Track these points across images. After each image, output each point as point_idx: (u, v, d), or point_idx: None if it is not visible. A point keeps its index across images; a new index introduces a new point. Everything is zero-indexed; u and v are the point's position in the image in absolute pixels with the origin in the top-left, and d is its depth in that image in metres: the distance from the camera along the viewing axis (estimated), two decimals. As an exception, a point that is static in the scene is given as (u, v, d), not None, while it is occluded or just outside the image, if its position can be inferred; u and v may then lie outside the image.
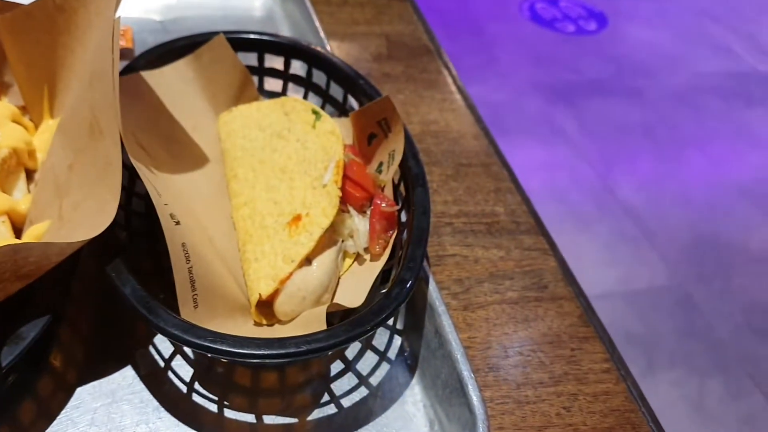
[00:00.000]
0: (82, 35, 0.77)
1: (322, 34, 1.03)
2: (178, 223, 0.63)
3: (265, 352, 0.55)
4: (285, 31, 1.14)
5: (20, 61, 0.78)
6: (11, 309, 0.56)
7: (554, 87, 3.77)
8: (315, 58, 0.88)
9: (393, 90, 1.04)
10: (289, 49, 0.88)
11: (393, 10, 1.25)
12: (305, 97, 0.91)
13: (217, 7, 1.16)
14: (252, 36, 0.88)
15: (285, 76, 0.91)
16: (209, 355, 0.59)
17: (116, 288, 0.58)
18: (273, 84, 0.92)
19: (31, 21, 0.76)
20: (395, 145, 0.75)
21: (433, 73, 1.10)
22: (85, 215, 0.62)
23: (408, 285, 0.62)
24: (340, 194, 0.70)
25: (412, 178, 0.73)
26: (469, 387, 0.60)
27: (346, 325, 0.58)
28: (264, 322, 0.67)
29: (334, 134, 0.75)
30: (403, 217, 0.73)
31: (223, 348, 0.55)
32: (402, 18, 1.22)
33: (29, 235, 0.66)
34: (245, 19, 1.16)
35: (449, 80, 1.09)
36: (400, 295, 0.60)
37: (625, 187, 3.18)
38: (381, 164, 0.78)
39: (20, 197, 0.72)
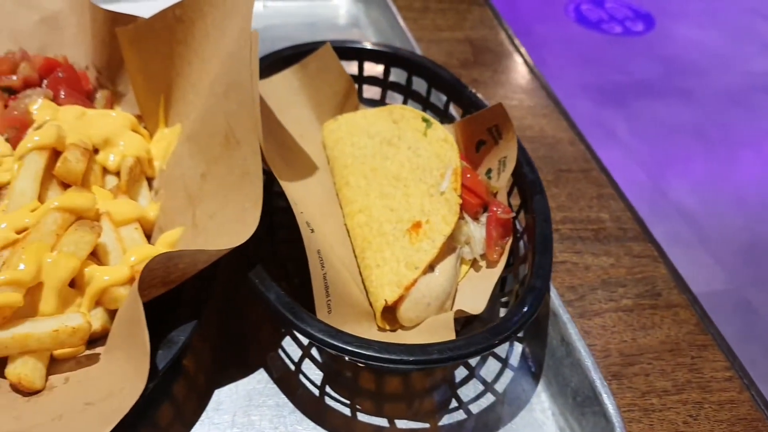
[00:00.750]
0: (198, 46, 0.79)
1: (412, 41, 1.04)
2: (312, 230, 0.64)
3: (411, 358, 0.56)
4: (371, 38, 1.15)
5: (139, 71, 0.81)
6: (158, 314, 0.58)
7: (603, 88, 3.73)
8: (416, 66, 0.88)
9: (483, 95, 1.04)
10: (390, 58, 0.89)
11: (474, 14, 1.26)
12: (405, 104, 0.92)
13: (303, 15, 1.18)
14: (353, 45, 0.89)
15: (384, 83, 0.92)
16: (347, 358, 0.60)
17: (260, 294, 0.59)
18: (371, 92, 0.93)
19: (152, 32, 0.78)
20: (506, 152, 0.76)
21: (522, 78, 1.10)
22: (223, 223, 0.63)
23: (540, 292, 0.62)
24: (461, 201, 0.70)
25: (528, 185, 0.73)
26: (604, 395, 0.60)
27: (485, 333, 0.58)
28: (387, 327, 0.68)
29: (447, 141, 0.76)
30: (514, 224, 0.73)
31: (370, 353, 0.56)
32: (483, 23, 1.23)
33: (162, 242, 0.68)
34: (330, 27, 1.17)
35: (538, 85, 1.09)
36: (534, 302, 0.61)
37: (677, 189, 3.12)
38: (489, 171, 0.78)
39: (146, 204, 0.74)
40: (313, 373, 0.67)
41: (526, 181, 0.74)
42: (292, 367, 0.67)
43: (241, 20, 0.66)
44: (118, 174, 0.76)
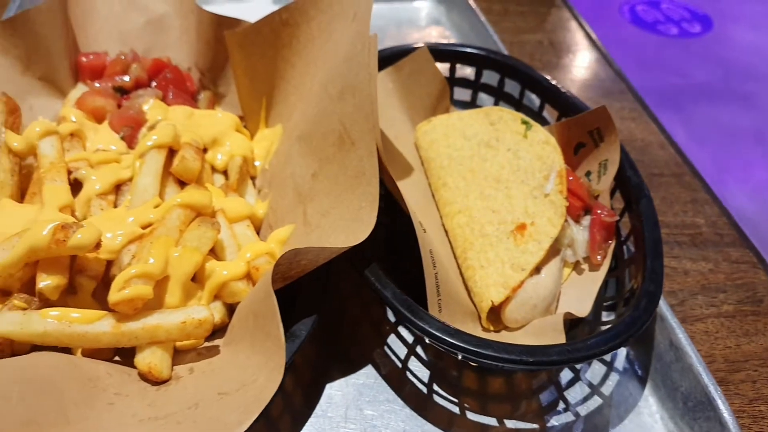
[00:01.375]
0: (302, 48, 0.81)
1: (499, 43, 1.04)
2: (425, 230, 0.65)
3: (532, 359, 0.56)
4: (453, 40, 1.15)
5: (245, 73, 0.83)
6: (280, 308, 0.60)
7: (660, 91, 3.66)
8: (510, 68, 0.89)
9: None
10: (484, 60, 0.90)
11: (553, 16, 1.25)
12: (496, 105, 0.92)
13: (386, 17, 1.19)
14: (447, 47, 0.90)
15: (476, 85, 0.92)
16: (460, 356, 0.61)
17: (376, 291, 0.61)
18: (461, 93, 0.94)
19: (258, 36, 0.80)
20: (608, 155, 0.75)
21: (607, 81, 1.10)
22: (338, 221, 0.65)
23: (655, 297, 0.62)
24: (567, 204, 0.71)
25: (632, 189, 0.73)
26: (718, 401, 0.60)
27: (602, 336, 0.59)
28: (491, 327, 0.69)
29: (548, 144, 0.76)
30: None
31: (490, 353, 0.56)
32: (563, 25, 1.22)
33: (273, 239, 0.70)
34: (413, 28, 1.18)
35: (624, 87, 1.08)
36: (649, 306, 0.61)
37: (738, 195, 3.04)
38: (589, 173, 0.78)
39: (253, 202, 0.77)
40: (419, 370, 0.68)
41: (630, 185, 0.73)
42: (399, 364, 0.68)
43: (358, 24, 0.67)
44: (224, 172, 0.79)
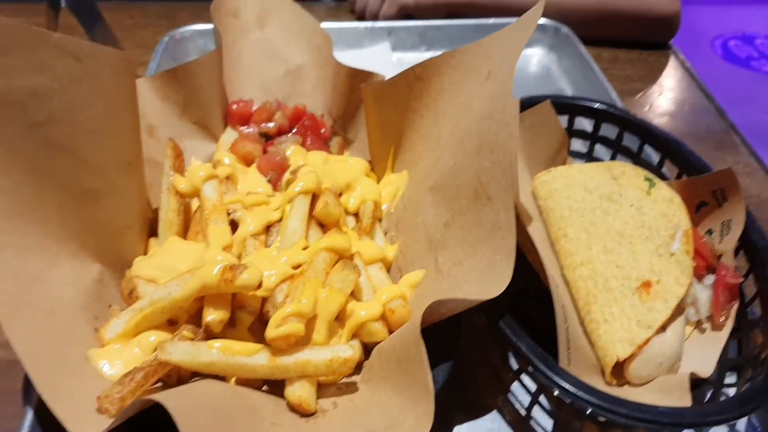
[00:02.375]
0: (431, 101, 0.86)
1: (613, 94, 1.07)
2: (557, 286, 0.68)
3: (665, 420, 0.58)
4: (565, 88, 1.18)
5: (378, 123, 0.89)
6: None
7: (752, 130, 3.54)
8: (629, 123, 0.91)
9: (684, 151, 1.04)
10: (603, 114, 0.92)
11: (662, 65, 1.26)
12: (613, 158, 0.95)
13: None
14: (567, 100, 0.94)
15: (594, 137, 0.95)
16: (589, 410, 0.63)
17: (512, 343, 0.64)
18: (577, 144, 0.96)
19: (393, 89, 0.86)
20: (731, 216, 0.76)
21: (719, 133, 1.10)
22: (470, 271, 0.68)
23: (789, 364, 0.62)
24: (694, 264, 0.72)
25: (759, 252, 0.74)
26: None
27: (736, 399, 0.60)
28: (614, 382, 0.71)
29: (673, 202, 0.78)
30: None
31: (624, 411, 0.59)
32: (674, 74, 1.23)
33: (405, 282, 0.75)
34: (523, 76, 1.22)
35: (737, 140, 1.08)
36: (784, 373, 0.61)
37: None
38: (710, 231, 0.79)
39: (382, 244, 0.82)
40: (542, 418, 0.70)
41: (756, 248, 0.74)
42: (522, 412, 0.71)
43: (497, 84, 0.71)
44: (354, 215, 0.84)
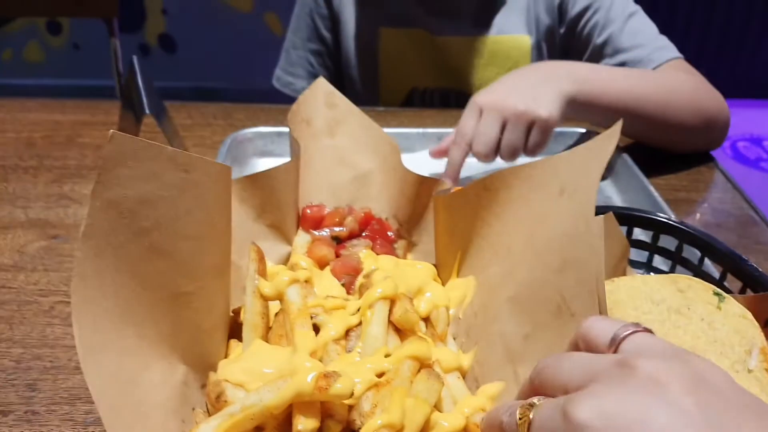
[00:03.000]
0: (501, 211, 0.89)
1: (662, 204, 1.10)
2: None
3: None
4: (612, 195, 1.22)
5: (446, 231, 0.92)
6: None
7: None
8: (688, 236, 0.94)
9: (736, 261, 1.06)
10: (661, 226, 0.95)
11: (702, 173, 1.31)
12: (672, 269, 0.97)
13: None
14: (625, 212, 0.97)
15: (653, 249, 0.98)
16: None
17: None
18: (635, 255, 0.99)
19: (462, 198, 0.89)
20: (803, 332, 0.78)
21: (767, 244, 1.12)
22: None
23: None
24: (774, 382, 0.73)
25: (837, 371, 0.74)
26: None
27: None
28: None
29: (746, 318, 0.79)
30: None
31: None
32: (717, 185, 1.27)
33: (483, 393, 0.75)
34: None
35: (787, 253, 1.10)
36: None
37: None
38: (780, 349, 0.80)
39: (455, 351, 0.82)
40: None
41: (832, 366, 0.75)
42: None
43: (579, 204, 0.74)
44: (423, 320, 0.85)
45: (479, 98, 1.16)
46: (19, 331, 0.88)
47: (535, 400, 0.49)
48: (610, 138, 0.75)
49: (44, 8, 2.51)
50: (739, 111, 1.47)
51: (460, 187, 0.90)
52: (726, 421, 0.39)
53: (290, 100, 1.15)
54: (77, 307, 0.60)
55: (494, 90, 1.18)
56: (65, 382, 0.80)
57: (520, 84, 1.17)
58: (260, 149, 1.28)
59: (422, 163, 1.25)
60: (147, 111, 0.91)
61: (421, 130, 1.31)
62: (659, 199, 1.11)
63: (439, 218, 0.92)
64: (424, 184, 0.95)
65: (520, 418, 0.49)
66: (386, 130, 1.22)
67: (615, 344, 0.51)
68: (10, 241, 1.03)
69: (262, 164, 1.27)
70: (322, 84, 1.03)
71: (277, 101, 1.52)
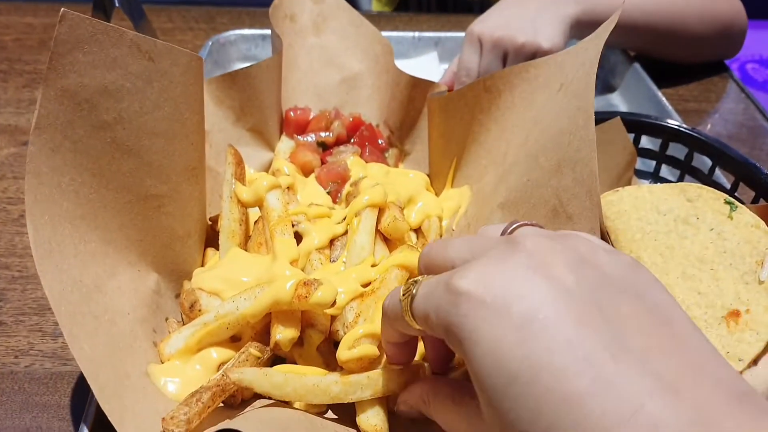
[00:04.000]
0: (500, 116, 0.82)
1: (674, 114, 1.03)
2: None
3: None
4: (621, 105, 1.15)
5: (441, 136, 0.85)
6: None
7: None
8: (700, 143, 0.87)
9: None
10: (672, 133, 0.89)
11: (714, 84, 1.23)
12: (681, 179, 0.91)
13: (547, 79, 1.20)
14: (634, 118, 0.90)
15: (660, 157, 0.91)
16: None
17: None
18: (641, 164, 0.93)
19: (461, 100, 0.82)
20: (818, 243, 0.73)
21: (784, 157, 1.06)
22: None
23: None
24: (786, 294, 0.68)
25: None
26: None
27: None
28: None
29: (758, 228, 0.74)
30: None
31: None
32: (729, 95, 1.20)
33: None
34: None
35: (803, 165, 1.04)
36: None
37: None
38: (794, 260, 0.75)
39: (447, 263, 0.78)
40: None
41: None
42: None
43: (576, 99, 0.68)
44: (415, 231, 0.80)
45: (477, 28, 1.06)
46: (-13, 240, 0.83)
47: (420, 278, 0.47)
48: (605, 28, 0.68)
49: None
50: (750, 32, 1.37)
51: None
52: (604, 299, 0.38)
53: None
54: (32, 206, 0.54)
55: (493, 18, 1.07)
56: (34, 293, 0.76)
57: (520, 12, 1.07)
58: (243, 53, 1.19)
59: (417, 71, 1.17)
60: (116, 4, 0.83)
61: (417, 34, 1.22)
62: (669, 108, 1.04)
63: (433, 122, 0.85)
64: (418, 87, 0.87)
65: (403, 294, 0.47)
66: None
67: (505, 234, 0.48)
68: (-21, 147, 0.96)
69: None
70: (308, -25, 0.94)
71: (263, 4, 1.42)
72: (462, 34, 1.13)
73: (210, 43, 1.13)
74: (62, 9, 0.54)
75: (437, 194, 0.87)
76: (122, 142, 0.61)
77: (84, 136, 0.59)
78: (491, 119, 0.82)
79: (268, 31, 1.19)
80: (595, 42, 0.69)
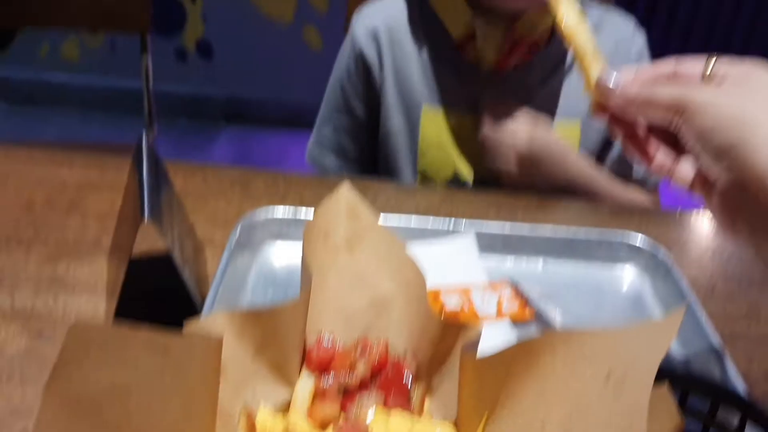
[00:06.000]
0: (540, 379, 0.76)
1: (714, 338, 0.97)
2: None
3: None
4: (655, 313, 1.09)
5: (472, 395, 0.78)
6: None
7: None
8: (755, 413, 0.80)
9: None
10: (721, 394, 0.82)
11: (764, 304, 1.16)
12: (732, 450, 0.83)
13: (587, 284, 1.15)
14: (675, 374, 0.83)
15: (708, 421, 0.84)
16: None
17: None
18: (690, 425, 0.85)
19: (496, 360, 0.76)
20: None
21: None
22: None
23: None
24: None
25: None
26: None
27: None
28: None
29: None
30: None
31: None
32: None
33: None
34: (614, 297, 1.13)
35: None
36: None
37: None
38: None
39: None
40: None
41: None
42: None
43: (628, 399, 0.63)
44: (436, 496, 0.74)
45: None
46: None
47: None
48: (672, 324, 0.64)
49: (74, 20, 2.44)
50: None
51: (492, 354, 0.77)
52: None
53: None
54: None
55: None
56: None
57: None
58: (275, 232, 1.17)
59: (447, 260, 1.13)
60: (147, 217, 0.81)
61: (452, 220, 1.19)
62: (710, 331, 0.98)
63: (465, 380, 0.80)
64: (451, 327, 0.82)
65: None
66: (402, 215, 1.13)
67: None
68: (-10, 334, 0.93)
69: (277, 247, 1.16)
70: (346, 191, 0.92)
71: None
72: (500, 229, 1.12)
73: (238, 229, 1.11)
74: (71, 325, 0.51)
75: (462, 436, 0.81)
76: (125, 437, 0.57)
77: (83, 436, 0.54)
78: (528, 385, 0.76)
79: (300, 215, 1.16)
80: (655, 338, 0.64)
